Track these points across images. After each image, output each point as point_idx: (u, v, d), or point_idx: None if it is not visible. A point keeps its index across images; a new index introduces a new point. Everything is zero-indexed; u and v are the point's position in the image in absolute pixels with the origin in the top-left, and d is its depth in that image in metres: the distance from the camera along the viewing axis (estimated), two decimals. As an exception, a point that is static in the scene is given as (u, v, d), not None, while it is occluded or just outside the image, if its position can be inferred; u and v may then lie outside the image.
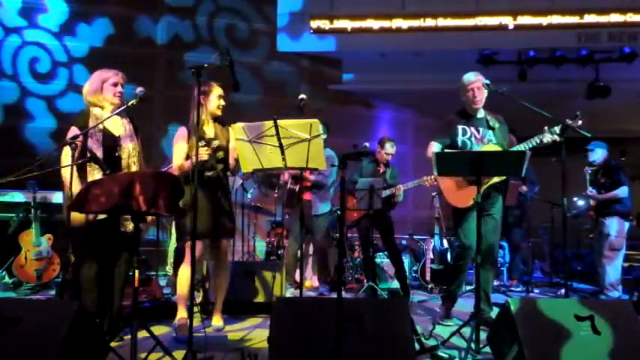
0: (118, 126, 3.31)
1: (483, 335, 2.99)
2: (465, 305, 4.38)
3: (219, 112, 3.71)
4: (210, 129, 3.71)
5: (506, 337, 2.65)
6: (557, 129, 3.47)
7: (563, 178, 3.42)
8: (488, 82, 3.69)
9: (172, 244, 5.90)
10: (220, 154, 3.65)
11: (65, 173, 3.03)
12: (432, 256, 5.93)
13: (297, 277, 5.15)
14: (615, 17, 7.53)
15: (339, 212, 5.75)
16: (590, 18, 7.56)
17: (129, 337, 2.66)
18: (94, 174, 3.10)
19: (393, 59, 8.03)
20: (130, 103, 3.15)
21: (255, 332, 3.69)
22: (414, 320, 3.34)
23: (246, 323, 3.99)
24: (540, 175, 6.33)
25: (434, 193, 6.17)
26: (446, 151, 3.71)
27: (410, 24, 7.80)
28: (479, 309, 3.13)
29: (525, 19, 7.65)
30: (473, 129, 3.80)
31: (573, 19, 7.59)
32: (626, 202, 5.29)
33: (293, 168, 3.34)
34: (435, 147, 3.82)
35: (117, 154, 3.25)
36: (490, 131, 3.79)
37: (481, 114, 3.85)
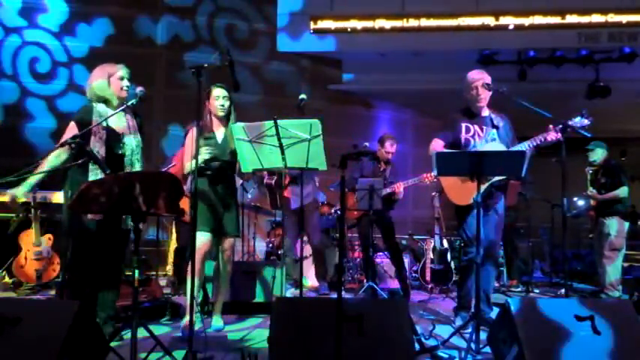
0: (121, 122, 3.30)
1: (483, 335, 2.99)
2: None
3: (220, 113, 3.72)
4: (220, 132, 3.73)
5: (506, 337, 2.65)
6: (560, 128, 3.46)
7: (563, 178, 3.41)
8: (488, 82, 3.70)
9: (172, 244, 5.91)
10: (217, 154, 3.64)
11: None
12: (432, 256, 5.93)
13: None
14: (615, 17, 7.53)
15: (339, 212, 5.76)
16: (590, 18, 7.57)
17: (129, 337, 2.65)
18: (96, 173, 3.10)
19: (393, 59, 8.03)
20: (129, 103, 3.16)
21: (255, 332, 3.69)
22: (414, 320, 3.35)
23: (246, 323, 3.99)
24: (540, 175, 6.33)
25: (434, 193, 6.17)
26: (446, 150, 3.70)
27: (410, 24, 7.80)
28: (479, 309, 3.12)
29: (525, 19, 7.65)
30: (476, 127, 3.79)
31: (573, 19, 7.59)
32: (626, 202, 5.29)
33: (293, 168, 3.35)
34: (438, 143, 3.81)
35: (120, 152, 3.26)
36: (494, 130, 3.79)
37: (485, 112, 3.85)
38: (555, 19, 7.61)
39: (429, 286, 5.81)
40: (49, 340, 2.31)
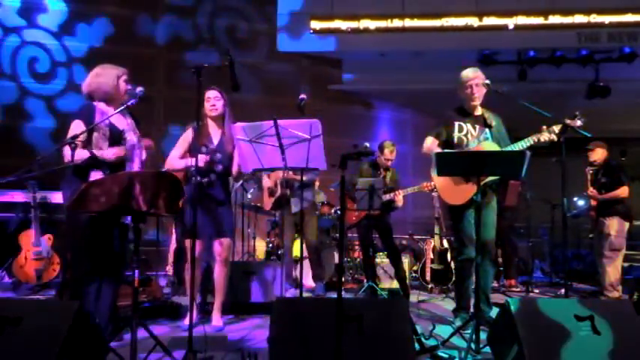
0: (121, 120, 3.33)
1: (483, 335, 2.99)
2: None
3: (212, 114, 3.73)
4: (216, 135, 3.74)
5: (506, 337, 2.64)
6: (555, 128, 3.46)
7: (563, 178, 3.41)
8: (488, 82, 3.69)
9: (173, 244, 5.90)
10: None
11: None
12: (432, 256, 5.93)
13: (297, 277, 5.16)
14: (615, 17, 7.53)
15: (339, 212, 5.75)
16: (590, 18, 7.57)
17: (129, 336, 2.65)
18: (97, 173, 3.10)
19: (393, 59, 8.03)
20: (129, 102, 3.16)
21: (255, 332, 3.69)
22: (414, 320, 3.35)
23: (246, 323, 3.99)
24: (540, 175, 6.33)
25: (434, 193, 6.16)
26: (446, 151, 3.70)
27: (410, 24, 7.81)
28: (479, 309, 3.12)
29: (525, 19, 7.65)
30: (469, 126, 3.79)
31: (573, 19, 7.59)
32: (626, 202, 5.29)
33: (293, 168, 3.35)
34: (430, 141, 3.82)
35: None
36: (487, 129, 3.79)
37: (479, 111, 3.85)
38: (555, 19, 7.61)
39: (429, 286, 5.81)
40: (49, 340, 2.31)
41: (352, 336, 2.43)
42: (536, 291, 6.00)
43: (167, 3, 7.78)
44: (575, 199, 7.97)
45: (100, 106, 3.24)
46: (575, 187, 5.78)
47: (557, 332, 2.56)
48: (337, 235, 6.03)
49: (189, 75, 2.97)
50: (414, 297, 5.27)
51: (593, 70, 7.71)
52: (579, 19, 7.57)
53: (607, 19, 7.54)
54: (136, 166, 3.29)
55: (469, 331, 3.08)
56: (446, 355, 2.96)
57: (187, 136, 3.80)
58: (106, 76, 3.29)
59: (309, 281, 5.65)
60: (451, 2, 7.77)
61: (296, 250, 5.33)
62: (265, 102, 7.80)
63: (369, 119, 9.09)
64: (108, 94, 3.27)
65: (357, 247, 6.13)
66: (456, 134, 3.78)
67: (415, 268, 6.17)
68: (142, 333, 2.72)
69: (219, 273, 3.79)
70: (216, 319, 3.80)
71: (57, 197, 5.53)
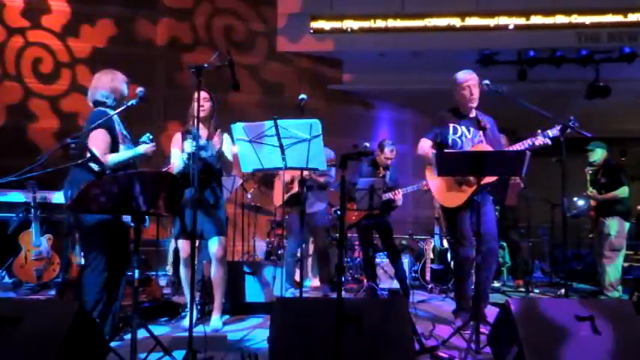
0: (121, 123, 3.37)
1: (483, 335, 2.99)
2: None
3: (200, 115, 3.69)
4: (203, 137, 3.76)
5: (506, 337, 2.65)
6: (549, 132, 3.46)
7: (563, 178, 3.41)
8: (487, 82, 3.69)
9: (172, 244, 5.90)
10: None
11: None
12: (432, 256, 5.93)
13: (297, 277, 5.15)
14: (615, 17, 7.53)
15: (339, 212, 5.75)
16: (590, 18, 7.57)
17: (129, 337, 2.65)
18: (96, 173, 3.10)
19: (392, 59, 8.03)
20: (129, 103, 3.16)
21: (255, 332, 3.69)
22: (414, 320, 3.35)
23: (246, 323, 3.99)
24: (540, 175, 6.34)
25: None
26: (446, 151, 3.70)
27: (410, 24, 7.81)
28: (479, 309, 3.12)
29: (525, 19, 7.65)
30: (464, 128, 3.79)
31: (573, 19, 7.59)
32: (626, 202, 5.29)
33: (293, 168, 3.35)
34: (425, 144, 3.82)
35: None
36: (481, 132, 3.79)
37: (473, 113, 3.85)
38: (555, 19, 7.61)
39: (429, 286, 5.81)
40: (49, 340, 2.31)
41: (352, 336, 2.43)
42: (536, 291, 6.00)
43: (166, 4, 7.78)
44: (575, 199, 7.97)
45: (109, 112, 3.25)
46: (575, 187, 5.78)
47: (557, 332, 2.56)
48: (337, 234, 6.03)
49: (189, 75, 2.97)
50: (414, 297, 5.27)
51: (593, 70, 7.71)
52: (579, 19, 7.57)
53: (607, 19, 7.54)
54: None
55: (469, 331, 3.08)
56: (446, 355, 2.96)
57: (177, 139, 3.84)
58: (119, 80, 3.35)
59: (314, 281, 5.67)
60: (451, 2, 7.77)
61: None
62: (265, 102, 7.80)
63: (368, 119, 9.09)
64: (123, 98, 3.34)
65: (357, 247, 6.13)
66: (450, 136, 3.78)
67: (415, 268, 6.18)
68: (142, 333, 2.73)
69: (215, 273, 3.80)
70: (216, 319, 3.80)
71: (57, 197, 5.54)
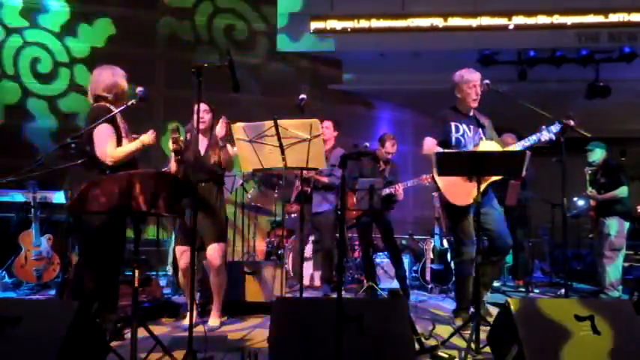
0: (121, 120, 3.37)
1: (483, 335, 2.99)
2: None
3: (200, 127, 3.62)
4: (202, 145, 3.75)
5: (506, 337, 2.65)
6: (553, 127, 3.46)
7: (563, 178, 3.42)
8: (488, 82, 3.69)
9: (173, 244, 5.90)
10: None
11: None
12: (432, 256, 5.93)
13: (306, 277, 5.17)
14: (615, 17, 7.53)
15: (339, 212, 5.75)
16: (590, 18, 7.56)
17: (129, 336, 2.65)
18: (97, 173, 3.11)
19: (392, 59, 8.03)
20: (130, 102, 3.16)
21: (255, 332, 3.69)
22: (414, 320, 3.35)
23: (246, 323, 3.99)
24: (540, 175, 6.33)
25: (434, 193, 6.16)
26: (447, 151, 3.70)
27: (410, 24, 7.80)
28: (479, 309, 3.12)
29: (525, 19, 7.65)
30: (465, 126, 3.80)
31: (573, 19, 7.59)
32: (626, 202, 5.29)
33: (293, 168, 3.34)
34: (430, 142, 3.81)
35: None
36: (480, 129, 3.80)
37: (471, 112, 3.87)
38: (555, 19, 7.61)
39: (429, 286, 5.81)
40: (49, 340, 2.31)
41: (352, 336, 2.43)
42: (536, 291, 6.00)
43: (167, 3, 7.78)
44: (575, 199, 7.98)
45: (112, 108, 3.26)
46: (575, 187, 5.78)
47: (557, 332, 2.56)
48: (337, 234, 6.02)
49: (189, 75, 2.97)
50: (414, 297, 5.27)
51: (593, 70, 7.71)
52: (579, 19, 7.57)
53: (607, 19, 7.54)
54: None
55: (469, 331, 3.08)
56: (446, 355, 2.95)
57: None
58: (119, 75, 3.36)
59: (316, 281, 5.67)
60: (451, 2, 7.77)
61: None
62: (265, 102, 7.80)
63: (369, 119, 9.09)
64: (124, 92, 3.35)
65: (357, 247, 6.13)
66: (453, 135, 3.78)
67: (415, 268, 6.18)
68: (142, 333, 2.72)
69: (213, 280, 3.80)
70: (214, 319, 3.80)
71: (57, 197, 5.54)
